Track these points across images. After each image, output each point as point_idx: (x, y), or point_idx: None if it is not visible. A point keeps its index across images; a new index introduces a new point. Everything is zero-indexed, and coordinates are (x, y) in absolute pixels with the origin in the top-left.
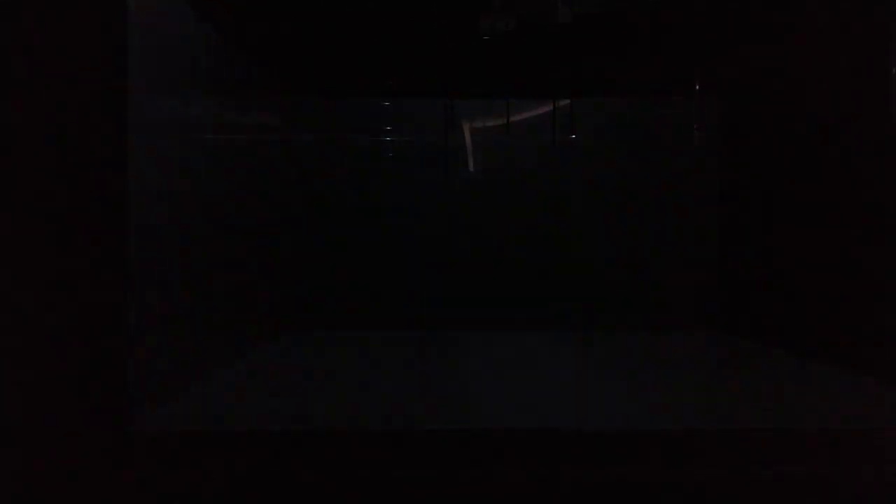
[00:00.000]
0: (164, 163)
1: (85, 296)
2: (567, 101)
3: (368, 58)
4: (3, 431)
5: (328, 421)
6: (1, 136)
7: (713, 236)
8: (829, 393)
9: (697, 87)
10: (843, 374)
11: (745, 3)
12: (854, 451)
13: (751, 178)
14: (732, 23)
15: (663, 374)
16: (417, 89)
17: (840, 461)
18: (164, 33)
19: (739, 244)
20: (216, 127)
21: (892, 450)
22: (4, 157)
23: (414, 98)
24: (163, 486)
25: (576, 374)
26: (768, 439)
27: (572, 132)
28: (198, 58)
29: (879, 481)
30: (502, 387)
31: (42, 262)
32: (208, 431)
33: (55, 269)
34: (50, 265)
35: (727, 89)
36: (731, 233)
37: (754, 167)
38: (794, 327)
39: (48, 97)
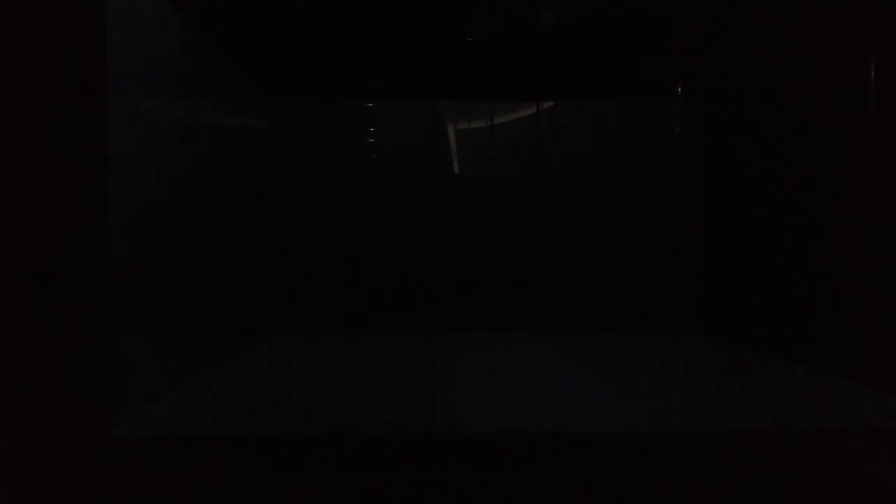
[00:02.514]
0: (146, 165)
1: (65, 299)
2: (551, 104)
3: (353, 59)
4: None
5: (316, 425)
6: None
7: (698, 238)
8: (818, 394)
9: (680, 90)
10: (829, 375)
11: (729, 8)
12: (845, 452)
13: (735, 180)
14: (716, 26)
15: (651, 375)
16: (402, 91)
17: (831, 462)
18: (145, 33)
19: (724, 246)
20: (199, 129)
21: (881, 449)
22: None
23: (398, 100)
24: (145, 492)
25: (564, 376)
26: (762, 440)
27: (556, 134)
28: (182, 59)
29: (869, 482)
30: (490, 390)
31: (22, 267)
32: (192, 436)
33: (36, 274)
34: (30, 270)
35: (710, 92)
36: (715, 235)
37: (738, 170)
38: (779, 329)
39: (26, 96)
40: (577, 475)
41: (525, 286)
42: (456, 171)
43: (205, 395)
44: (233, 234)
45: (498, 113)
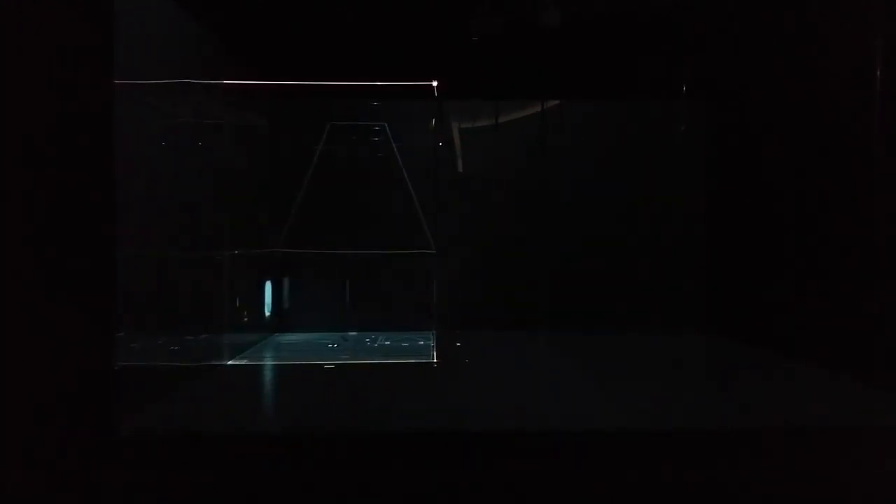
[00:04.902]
0: (150, 166)
1: (69, 299)
2: (556, 103)
3: (358, 58)
4: None
5: (310, 423)
6: None
7: (700, 237)
8: (819, 393)
9: (684, 89)
10: (831, 374)
11: (734, 9)
12: (844, 451)
13: (737, 179)
14: (720, 27)
15: (654, 375)
16: (407, 90)
17: (832, 460)
18: (152, 31)
19: (726, 246)
20: (204, 128)
21: (881, 449)
22: None
23: (403, 99)
24: (147, 491)
25: (568, 375)
26: (763, 439)
27: (560, 133)
28: (188, 58)
29: (868, 481)
30: (489, 388)
31: (26, 267)
32: (193, 435)
33: (39, 274)
34: (34, 270)
35: (713, 92)
36: (717, 234)
37: (741, 169)
38: (781, 329)
39: (32, 96)
40: (577, 475)
41: (527, 285)
42: (460, 169)
43: (206, 394)
44: (233, 232)
45: (502, 112)
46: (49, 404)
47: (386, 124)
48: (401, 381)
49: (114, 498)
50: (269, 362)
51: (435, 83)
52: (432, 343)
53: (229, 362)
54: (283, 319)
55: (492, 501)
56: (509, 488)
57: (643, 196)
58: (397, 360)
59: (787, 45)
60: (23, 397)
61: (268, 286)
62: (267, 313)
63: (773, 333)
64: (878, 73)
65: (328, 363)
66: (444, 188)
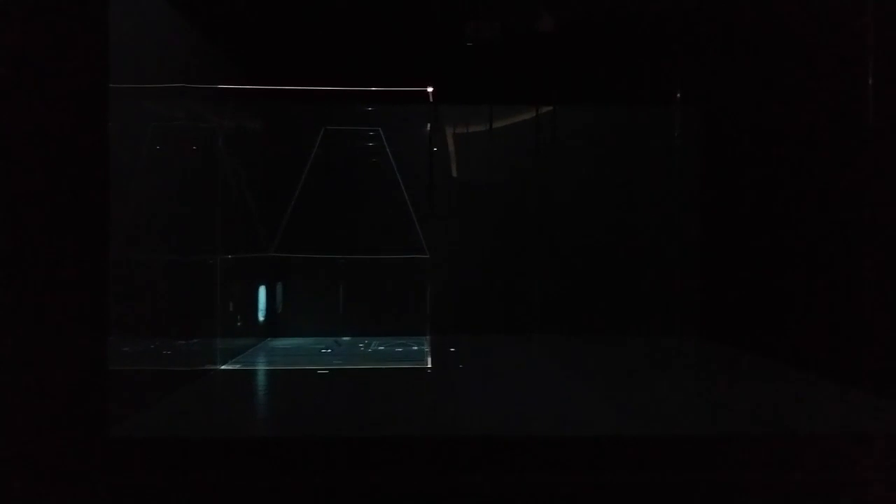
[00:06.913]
0: (144, 169)
1: (64, 301)
2: (550, 108)
3: (354, 63)
4: None
5: (303, 428)
6: None
7: (697, 243)
8: (816, 397)
9: (678, 96)
10: (824, 380)
11: (727, 15)
12: (840, 456)
13: (733, 185)
14: (714, 33)
15: (650, 379)
16: (402, 95)
17: (826, 466)
18: (147, 36)
19: (722, 251)
20: (199, 131)
21: (875, 456)
22: None
23: (398, 103)
24: (143, 492)
25: (565, 380)
26: (757, 444)
27: (554, 139)
28: (184, 63)
29: (863, 487)
30: (487, 392)
31: (22, 268)
32: (189, 437)
33: (35, 276)
34: (30, 272)
35: (709, 97)
36: (714, 240)
37: (737, 175)
38: (777, 335)
39: (28, 100)
40: (575, 479)
41: (525, 290)
42: (454, 174)
43: (199, 398)
44: (227, 238)
45: (497, 117)
46: (42, 407)
47: (380, 129)
48: (394, 387)
49: (107, 500)
50: (262, 367)
51: (430, 88)
52: (426, 348)
53: (222, 367)
54: (277, 324)
55: None
56: (505, 494)
57: (639, 201)
58: (391, 365)
59: (782, 50)
60: (16, 400)
61: (261, 290)
62: (260, 318)
63: (770, 339)
64: (871, 79)
65: (321, 368)
66: (438, 193)
